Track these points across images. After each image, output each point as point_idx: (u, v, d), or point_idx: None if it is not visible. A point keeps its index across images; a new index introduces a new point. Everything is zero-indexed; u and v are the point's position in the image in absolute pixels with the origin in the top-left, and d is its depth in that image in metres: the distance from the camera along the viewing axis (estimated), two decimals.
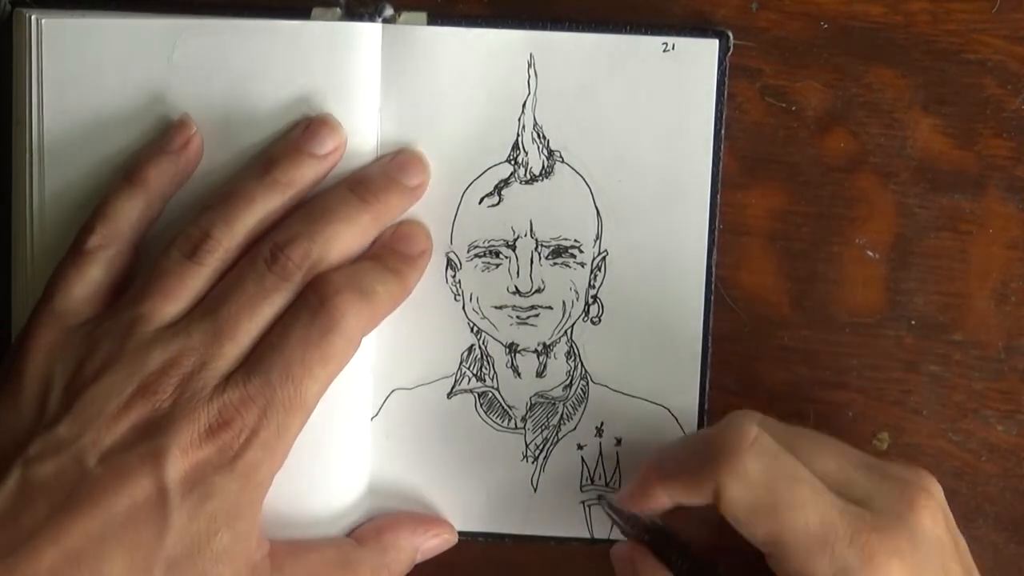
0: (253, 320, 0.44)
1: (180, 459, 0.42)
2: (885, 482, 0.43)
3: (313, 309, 0.44)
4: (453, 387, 0.50)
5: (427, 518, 0.49)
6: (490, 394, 0.50)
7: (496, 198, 0.49)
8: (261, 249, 0.45)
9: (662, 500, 0.46)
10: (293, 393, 0.43)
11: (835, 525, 0.41)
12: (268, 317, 0.44)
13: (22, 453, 0.42)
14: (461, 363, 0.50)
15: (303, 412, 0.44)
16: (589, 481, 0.50)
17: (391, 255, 0.47)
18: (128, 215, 0.46)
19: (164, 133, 0.47)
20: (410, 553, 0.49)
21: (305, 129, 0.47)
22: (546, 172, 0.49)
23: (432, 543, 0.49)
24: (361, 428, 0.49)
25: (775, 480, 0.42)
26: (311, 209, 0.46)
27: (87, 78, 0.47)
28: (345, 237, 0.45)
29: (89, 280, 0.45)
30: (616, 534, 0.49)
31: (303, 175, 0.46)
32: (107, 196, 0.46)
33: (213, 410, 0.43)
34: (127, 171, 0.46)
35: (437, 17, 0.49)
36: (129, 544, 0.41)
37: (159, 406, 0.43)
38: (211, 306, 0.44)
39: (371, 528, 0.49)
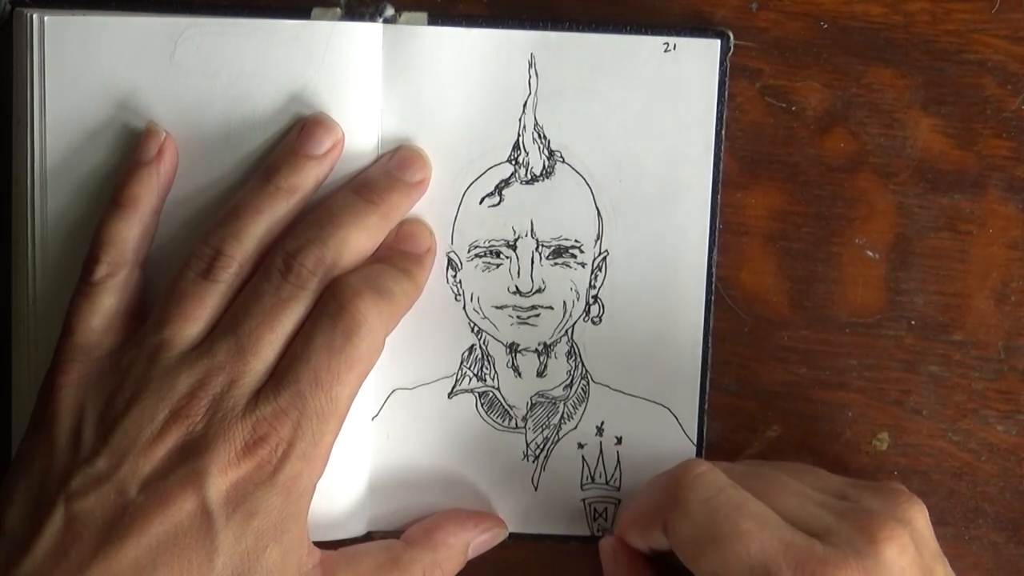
0: (275, 332, 0.44)
1: (220, 479, 0.42)
2: (851, 514, 0.43)
3: (334, 314, 0.44)
4: (454, 387, 0.50)
5: (475, 514, 0.49)
6: (491, 394, 0.50)
7: (497, 198, 0.49)
8: (274, 260, 0.45)
9: (639, 544, 0.47)
10: (325, 401, 0.43)
11: (776, 556, 0.41)
12: (289, 327, 0.44)
13: (64, 489, 0.42)
14: (462, 363, 0.50)
15: (337, 418, 0.44)
16: (590, 480, 0.50)
17: (399, 255, 0.47)
18: (126, 237, 0.46)
19: (138, 145, 0.47)
20: (461, 549, 0.48)
21: (300, 131, 0.47)
22: (547, 172, 0.49)
23: (483, 538, 0.49)
24: (361, 428, 0.49)
25: (718, 513, 0.42)
26: (319, 215, 0.46)
27: (88, 77, 0.47)
28: (356, 240, 0.45)
29: (104, 310, 0.45)
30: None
31: (304, 179, 0.46)
32: (101, 222, 0.46)
33: (247, 427, 0.43)
34: (114, 194, 0.46)
35: (437, 17, 0.49)
36: (179, 570, 0.41)
37: (193, 429, 0.43)
38: (231, 323, 0.44)
39: (419, 528, 0.49)
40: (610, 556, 0.48)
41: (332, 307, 0.44)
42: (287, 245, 0.45)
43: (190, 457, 0.42)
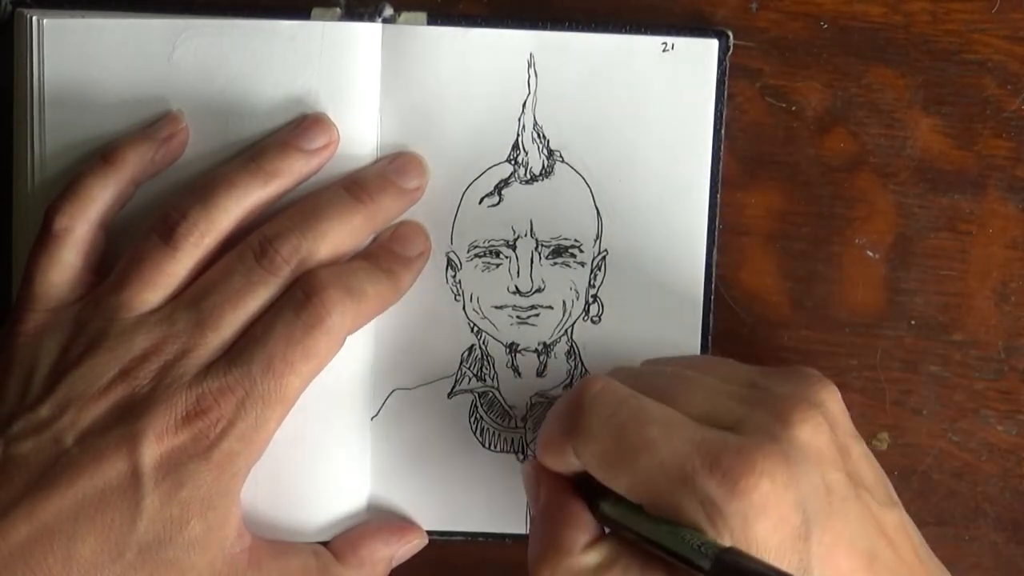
0: (237, 312, 0.44)
1: (155, 444, 0.42)
2: (762, 401, 0.41)
3: (298, 304, 0.44)
4: (453, 387, 0.50)
5: (398, 526, 0.49)
6: (490, 394, 0.50)
7: (496, 198, 0.49)
8: (251, 242, 0.45)
9: (558, 468, 0.44)
10: (274, 386, 0.43)
11: (690, 457, 0.39)
12: (253, 310, 0.44)
13: (4, 432, 0.43)
14: (461, 363, 0.50)
15: (283, 406, 0.44)
16: None
17: (386, 255, 0.47)
18: (97, 195, 0.46)
19: (154, 121, 0.47)
20: (385, 564, 0.49)
21: (297, 126, 0.47)
22: (546, 172, 0.49)
23: (404, 550, 0.49)
24: (361, 428, 0.49)
25: (623, 428, 0.40)
26: (304, 206, 0.46)
27: (87, 78, 0.47)
28: (336, 235, 0.46)
29: (64, 264, 0.45)
30: None
31: (287, 167, 0.46)
32: (80, 173, 0.46)
33: (191, 397, 0.43)
34: (105, 150, 0.46)
35: (437, 17, 0.49)
36: (101, 525, 0.42)
37: (138, 390, 0.43)
38: (196, 295, 0.44)
39: (346, 543, 0.48)
40: (532, 479, 0.45)
41: (299, 297, 0.44)
42: (266, 230, 0.45)
43: (130, 417, 0.42)
